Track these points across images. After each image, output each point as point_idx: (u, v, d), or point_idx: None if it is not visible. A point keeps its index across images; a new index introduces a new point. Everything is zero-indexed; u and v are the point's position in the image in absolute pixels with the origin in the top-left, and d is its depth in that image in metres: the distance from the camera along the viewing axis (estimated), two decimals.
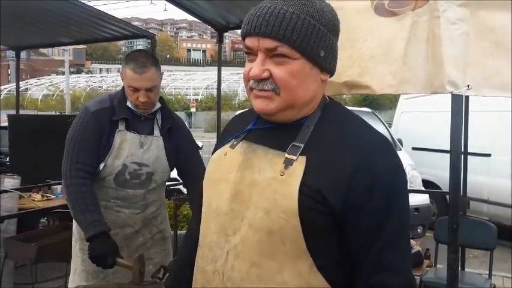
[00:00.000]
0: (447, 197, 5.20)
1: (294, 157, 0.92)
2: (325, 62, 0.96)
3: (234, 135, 1.07)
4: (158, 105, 2.04)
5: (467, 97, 3.01)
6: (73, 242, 2.10)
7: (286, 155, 0.93)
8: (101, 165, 1.93)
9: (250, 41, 0.93)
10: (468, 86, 1.62)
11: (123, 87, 1.99)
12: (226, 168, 1.01)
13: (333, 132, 0.96)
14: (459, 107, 1.91)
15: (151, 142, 1.99)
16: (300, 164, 0.91)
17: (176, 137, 2.08)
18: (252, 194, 0.94)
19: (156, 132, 2.03)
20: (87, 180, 1.88)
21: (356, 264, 0.91)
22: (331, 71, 1.00)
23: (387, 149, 0.96)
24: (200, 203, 1.11)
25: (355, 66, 1.77)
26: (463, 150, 2.87)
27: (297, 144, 0.94)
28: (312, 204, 0.88)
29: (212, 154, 1.11)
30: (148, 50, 4.32)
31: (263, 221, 0.91)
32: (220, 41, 4.22)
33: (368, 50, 1.76)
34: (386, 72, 1.73)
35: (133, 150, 1.95)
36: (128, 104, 1.97)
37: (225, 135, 1.12)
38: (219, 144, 1.10)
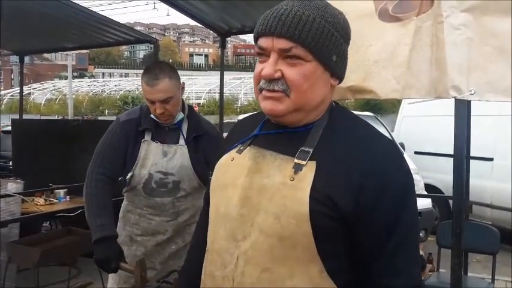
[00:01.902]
0: (449, 201, 5.20)
1: (304, 162, 0.92)
2: (336, 67, 0.97)
3: (240, 140, 1.06)
4: (181, 115, 2.05)
5: (469, 101, 3.00)
6: None
7: (296, 160, 0.93)
8: (129, 175, 1.97)
9: (265, 41, 0.93)
10: (471, 90, 1.62)
11: None
12: (234, 173, 1.00)
13: (341, 136, 0.96)
14: (462, 111, 1.91)
15: (175, 151, 2.01)
16: (309, 169, 0.91)
17: (205, 145, 2.07)
18: (261, 199, 0.93)
19: (181, 141, 2.03)
20: (106, 184, 1.91)
21: (366, 268, 0.92)
22: (340, 77, 1.01)
23: (396, 153, 0.96)
24: (206, 209, 1.10)
25: (359, 71, 1.77)
26: (465, 154, 2.87)
27: (306, 149, 0.93)
28: (322, 209, 0.88)
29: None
30: (151, 54, 4.32)
31: (273, 227, 0.90)
32: (222, 46, 4.23)
33: (372, 55, 1.76)
34: (391, 77, 1.73)
35: (157, 159, 1.98)
36: (152, 115, 2.00)
37: (231, 140, 1.12)
38: (225, 150, 1.09)
